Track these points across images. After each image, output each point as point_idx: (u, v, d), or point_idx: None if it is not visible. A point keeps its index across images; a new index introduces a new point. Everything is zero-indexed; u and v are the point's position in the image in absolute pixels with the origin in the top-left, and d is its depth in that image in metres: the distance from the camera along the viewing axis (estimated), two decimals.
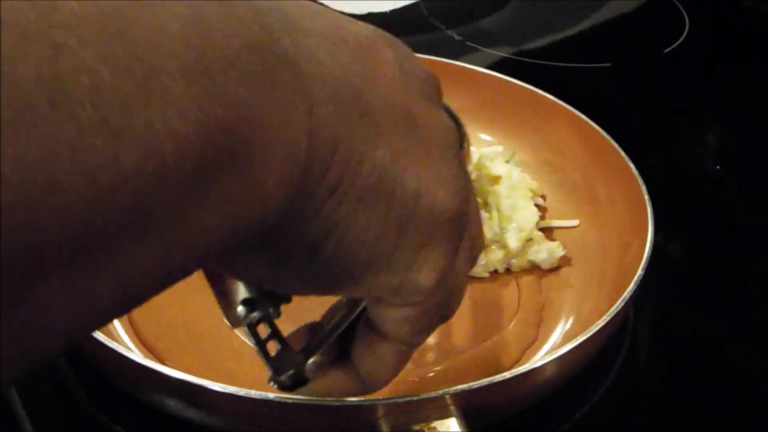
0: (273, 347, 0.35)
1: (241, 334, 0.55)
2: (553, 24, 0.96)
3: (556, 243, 0.61)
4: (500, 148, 0.69)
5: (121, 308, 0.21)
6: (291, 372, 0.34)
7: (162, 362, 0.50)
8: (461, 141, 0.31)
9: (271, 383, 0.34)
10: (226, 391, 0.42)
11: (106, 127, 0.18)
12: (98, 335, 0.46)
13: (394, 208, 0.27)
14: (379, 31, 0.29)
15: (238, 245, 0.23)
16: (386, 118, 0.26)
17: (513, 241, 0.60)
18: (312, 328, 0.36)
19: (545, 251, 0.61)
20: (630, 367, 0.56)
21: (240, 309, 0.34)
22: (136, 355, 0.46)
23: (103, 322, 0.21)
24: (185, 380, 0.43)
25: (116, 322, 0.55)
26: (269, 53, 0.22)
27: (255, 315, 0.34)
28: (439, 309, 0.32)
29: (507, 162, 0.65)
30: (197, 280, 0.58)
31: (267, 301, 0.34)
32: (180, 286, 0.61)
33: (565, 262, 0.62)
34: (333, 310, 0.36)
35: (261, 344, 0.35)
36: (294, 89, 0.23)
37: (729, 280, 0.65)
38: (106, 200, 0.18)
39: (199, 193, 0.20)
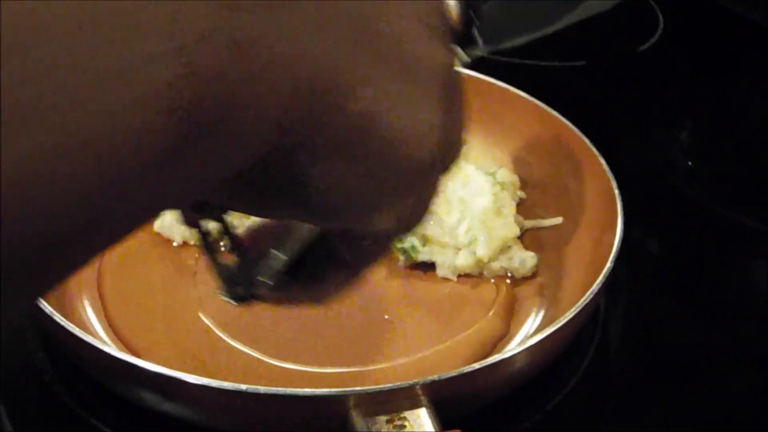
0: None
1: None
2: (528, 23, 0.97)
3: (531, 254, 0.61)
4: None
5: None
6: (240, 287, 0.33)
7: (138, 357, 0.51)
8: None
9: (220, 294, 0.33)
10: (200, 382, 0.43)
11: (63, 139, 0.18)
12: (74, 329, 0.46)
13: (360, 159, 0.26)
14: None
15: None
16: (371, 60, 0.24)
17: (482, 249, 0.60)
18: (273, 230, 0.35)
19: (518, 260, 0.61)
20: (601, 359, 0.57)
21: (192, 210, 0.33)
22: (112, 349, 0.47)
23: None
24: (160, 372, 0.44)
25: (93, 317, 0.56)
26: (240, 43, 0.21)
27: (206, 216, 0.33)
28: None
29: (490, 174, 0.65)
30: (173, 276, 0.59)
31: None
32: (156, 281, 0.61)
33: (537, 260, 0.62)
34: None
35: (211, 250, 0.34)
36: (268, 82, 0.22)
37: (701, 273, 0.66)
38: (53, 223, 0.18)
39: (163, 173, 0.21)
